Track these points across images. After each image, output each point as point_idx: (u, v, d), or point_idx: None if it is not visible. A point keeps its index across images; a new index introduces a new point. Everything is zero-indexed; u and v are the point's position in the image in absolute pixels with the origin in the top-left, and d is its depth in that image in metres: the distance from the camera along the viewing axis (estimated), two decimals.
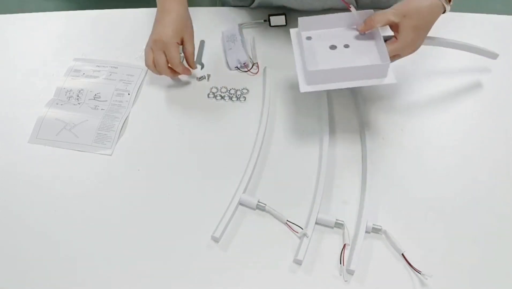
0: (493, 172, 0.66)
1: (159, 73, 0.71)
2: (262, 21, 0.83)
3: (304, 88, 0.61)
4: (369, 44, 0.65)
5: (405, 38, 0.62)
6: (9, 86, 0.77)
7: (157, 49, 0.69)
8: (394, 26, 0.63)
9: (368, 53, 0.64)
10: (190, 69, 0.73)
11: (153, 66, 0.70)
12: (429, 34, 0.66)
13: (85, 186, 0.65)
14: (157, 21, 0.71)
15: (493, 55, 0.74)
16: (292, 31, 0.68)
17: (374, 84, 0.61)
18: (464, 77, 0.76)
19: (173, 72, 0.71)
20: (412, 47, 0.64)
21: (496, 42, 0.80)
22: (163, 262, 0.58)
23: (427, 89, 0.75)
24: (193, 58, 0.72)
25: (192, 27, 0.72)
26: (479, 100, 0.74)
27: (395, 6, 0.63)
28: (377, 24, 0.63)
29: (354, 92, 0.73)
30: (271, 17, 0.81)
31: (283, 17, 0.81)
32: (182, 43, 0.70)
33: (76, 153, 0.68)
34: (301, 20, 0.66)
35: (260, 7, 0.85)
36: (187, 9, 0.72)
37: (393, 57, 0.63)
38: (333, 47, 0.65)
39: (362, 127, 0.69)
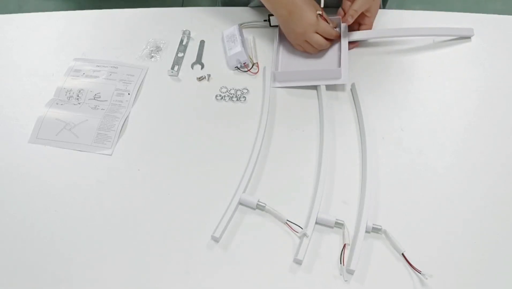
0: (493, 172, 0.66)
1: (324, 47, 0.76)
2: (262, 21, 0.83)
3: (273, 84, 0.75)
4: (334, 46, 0.78)
5: (375, 12, 0.76)
6: (9, 86, 0.77)
7: (311, 33, 0.73)
8: None
9: (331, 55, 0.77)
10: None
11: (318, 50, 0.76)
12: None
13: (85, 186, 0.65)
14: (290, 16, 0.73)
15: (469, 32, 0.79)
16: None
17: (330, 83, 0.73)
18: (465, 77, 0.76)
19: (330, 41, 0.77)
20: (377, 12, 0.77)
21: (496, 42, 0.80)
22: (163, 262, 0.58)
23: (427, 89, 0.75)
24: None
25: None
26: (480, 99, 0.74)
27: None
28: (358, 13, 0.73)
29: (354, 92, 0.74)
30: (271, 17, 0.81)
31: None
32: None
33: (76, 153, 0.68)
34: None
35: (260, 6, 0.85)
36: None
37: (367, 12, 0.75)
38: None
39: (362, 127, 0.69)
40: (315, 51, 0.77)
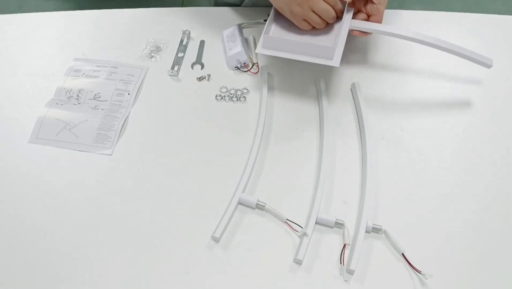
0: (493, 172, 0.66)
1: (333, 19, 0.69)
2: (262, 21, 0.83)
3: (259, 50, 0.68)
4: (334, 24, 0.71)
5: None
6: (9, 86, 0.77)
7: (307, 10, 0.66)
8: None
9: (328, 33, 0.70)
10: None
11: (323, 24, 0.68)
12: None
13: (85, 186, 0.65)
14: None
15: (487, 64, 0.70)
16: None
17: (320, 63, 0.66)
18: (465, 77, 0.76)
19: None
20: (387, 1, 0.69)
21: (496, 42, 0.80)
22: (163, 262, 0.58)
23: (427, 89, 0.75)
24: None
25: None
26: (480, 99, 0.74)
27: None
28: None
29: (354, 92, 0.74)
30: None
31: None
32: None
33: (76, 153, 0.68)
34: None
35: (253, 6, 0.85)
36: None
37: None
38: None
39: (362, 127, 0.69)
40: (321, 25, 0.68)
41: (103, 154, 0.68)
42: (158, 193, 0.64)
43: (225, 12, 0.86)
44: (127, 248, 0.59)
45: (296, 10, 0.67)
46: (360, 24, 0.70)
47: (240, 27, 0.82)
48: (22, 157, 0.68)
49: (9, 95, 0.76)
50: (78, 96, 0.75)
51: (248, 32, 0.83)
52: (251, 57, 0.79)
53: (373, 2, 0.69)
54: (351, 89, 0.75)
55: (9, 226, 0.62)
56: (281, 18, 0.73)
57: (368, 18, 0.71)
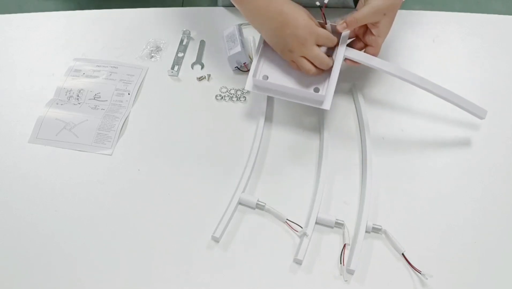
0: (493, 171, 0.66)
1: (328, 67, 0.64)
2: None
3: (249, 87, 0.67)
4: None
5: (385, 32, 0.65)
6: (9, 86, 0.77)
7: (311, 45, 0.62)
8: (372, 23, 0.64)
9: (319, 76, 0.66)
10: None
11: (317, 69, 0.64)
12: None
13: (85, 186, 0.65)
14: (283, 28, 0.62)
15: (481, 114, 0.67)
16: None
17: (311, 105, 0.65)
18: (465, 77, 0.76)
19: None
20: (387, 34, 0.66)
21: (496, 42, 0.80)
22: (163, 262, 0.58)
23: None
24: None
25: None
26: (480, 99, 0.74)
27: (373, 4, 0.61)
28: (359, 23, 0.63)
29: (354, 92, 0.74)
30: None
31: None
32: None
33: (76, 153, 0.68)
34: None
35: None
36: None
37: (373, 29, 0.64)
38: None
39: (362, 127, 0.69)
40: (314, 72, 0.63)
41: (103, 154, 0.68)
42: (158, 193, 0.64)
43: (225, 12, 0.86)
44: (127, 248, 0.59)
45: (286, 54, 0.65)
46: (355, 55, 0.66)
47: (240, 27, 0.82)
48: (22, 157, 0.68)
49: (9, 95, 0.76)
50: (78, 96, 0.75)
51: (248, 32, 0.83)
52: (251, 57, 0.79)
53: (372, 34, 0.64)
54: (351, 89, 0.75)
55: (9, 226, 0.62)
56: (270, 51, 0.68)
57: (365, 46, 0.67)
